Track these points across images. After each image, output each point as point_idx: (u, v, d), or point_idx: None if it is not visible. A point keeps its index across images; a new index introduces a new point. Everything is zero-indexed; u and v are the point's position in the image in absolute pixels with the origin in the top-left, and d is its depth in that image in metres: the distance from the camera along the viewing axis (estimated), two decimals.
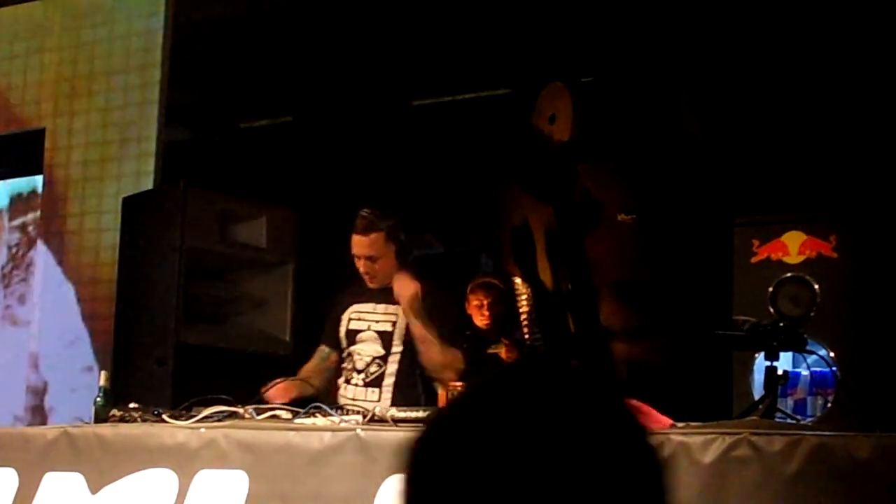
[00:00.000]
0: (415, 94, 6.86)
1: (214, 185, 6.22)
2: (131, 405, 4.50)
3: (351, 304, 5.39)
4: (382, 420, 3.96)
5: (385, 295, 5.30)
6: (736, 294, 5.10)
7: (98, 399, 4.61)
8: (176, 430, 4.11)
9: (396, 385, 5.19)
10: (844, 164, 5.48)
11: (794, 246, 5.04)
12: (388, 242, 5.28)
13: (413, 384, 5.17)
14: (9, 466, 4.40)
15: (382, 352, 5.26)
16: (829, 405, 4.77)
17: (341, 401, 5.17)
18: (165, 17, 6.98)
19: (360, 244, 5.27)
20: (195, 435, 4.04)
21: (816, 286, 4.96)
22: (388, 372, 5.22)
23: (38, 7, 7.56)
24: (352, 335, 5.34)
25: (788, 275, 5.03)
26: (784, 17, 5.65)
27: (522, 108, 6.39)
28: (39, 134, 7.46)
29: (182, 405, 4.38)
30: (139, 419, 4.39)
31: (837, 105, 5.55)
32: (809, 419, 4.74)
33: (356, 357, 5.30)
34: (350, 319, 5.37)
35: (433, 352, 5.08)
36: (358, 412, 4.12)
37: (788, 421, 4.06)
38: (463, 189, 6.33)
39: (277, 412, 4.24)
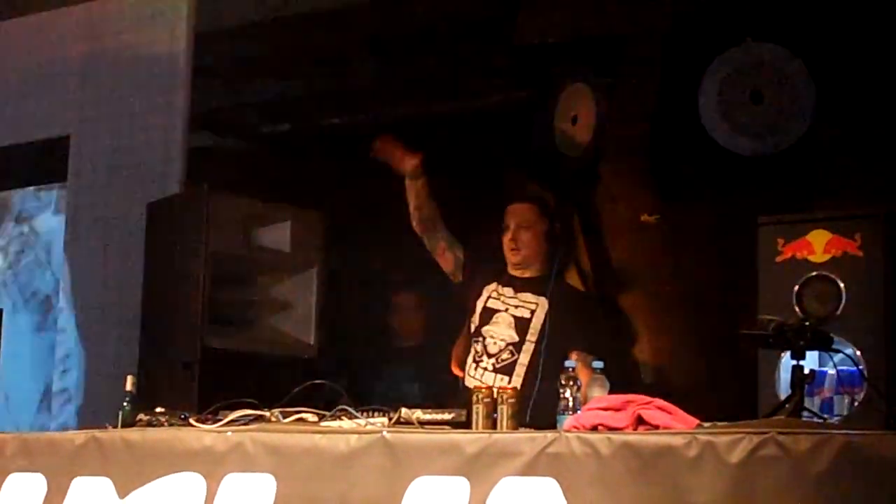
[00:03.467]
0: (439, 96, 6.87)
1: (239, 189, 6.23)
2: (158, 409, 4.52)
3: (494, 281, 5.41)
4: (408, 422, 3.97)
5: (525, 285, 5.33)
6: (761, 293, 5.09)
7: (125, 404, 4.63)
8: (203, 434, 4.12)
9: (527, 376, 5.17)
10: (869, 161, 5.46)
11: (819, 245, 5.02)
12: (540, 216, 5.40)
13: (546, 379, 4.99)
14: (37, 472, 4.43)
15: (517, 338, 5.26)
16: (856, 404, 4.75)
17: (469, 382, 5.19)
18: (188, 22, 7.00)
19: (514, 210, 5.42)
20: (222, 439, 4.05)
21: (842, 284, 4.93)
22: (519, 362, 5.22)
23: (62, 14, 7.59)
24: (488, 313, 5.36)
25: (814, 273, 5.01)
26: (807, 11, 5.64)
27: (544, 111, 6.39)
28: (64, 141, 7.50)
29: (208, 409, 4.40)
30: (166, 423, 4.40)
31: (861, 101, 5.54)
32: (836, 418, 4.72)
33: (488, 340, 5.31)
34: (489, 298, 5.39)
35: None
36: (384, 414, 4.13)
37: (815, 420, 4.05)
38: (487, 193, 6.33)
39: (304, 415, 4.25)
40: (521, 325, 5.27)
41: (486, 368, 5.24)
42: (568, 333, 5.19)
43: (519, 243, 5.36)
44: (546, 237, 5.40)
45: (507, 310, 5.31)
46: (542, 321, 5.25)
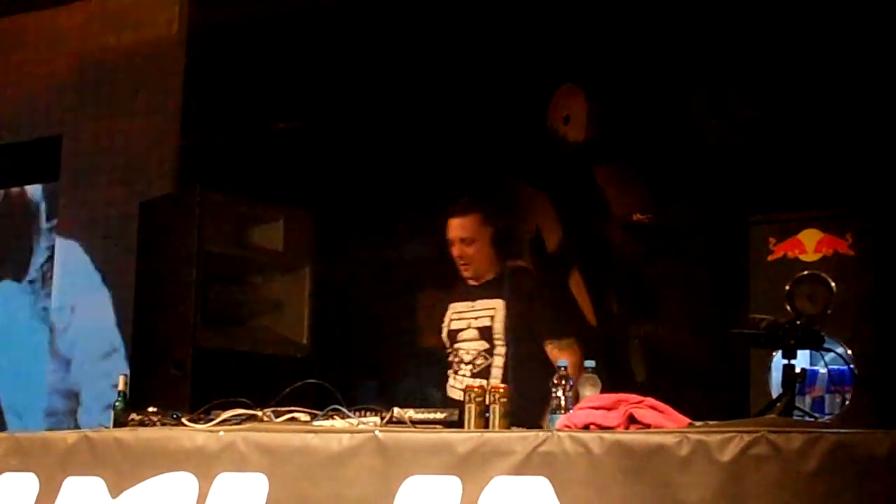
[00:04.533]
0: (432, 96, 6.87)
1: (231, 189, 6.24)
2: (150, 409, 4.52)
3: (449, 305, 5.46)
4: (400, 421, 3.97)
5: (479, 292, 5.36)
6: (753, 292, 5.10)
7: (117, 403, 4.64)
8: (195, 434, 4.12)
9: (504, 377, 5.21)
10: (860, 161, 5.47)
11: (810, 244, 5.04)
12: (483, 225, 5.37)
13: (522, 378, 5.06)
14: (29, 471, 4.42)
15: (487, 345, 5.31)
16: (847, 402, 4.77)
17: (451, 392, 5.28)
18: (181, 21, 7.01)
19: (454, 226, 5.38)
20: (214, 438, 4.05)
21: (833, 284, 4.95)
22: (494, 364, 5.27)
23: (57, 14, 7.59)
24: (453, 335, 5.42)
25: (805, 272, 5.02)
26: (798, 14, 5.65)
27: (536, 110, 6.39)
28: (57, 140, 7.50)
29: (201, 408, 4.40)
30: (158, 423, 4.40)
31: (853, 101, 5.55)
32: (827, 417, 4.74)
33: (462, 352, 5.36)
34: (451, 320, 5.45)
35: None
36: (376, 414, 4.13)
37: (806, 419, 4.06)
38: (479, 192, 6.33)
39: (296, 414, 4.25)
40: (486, 333, 5.32)
41: (464, 375, 5.29)
42: (532, 325, 5.23)
43: (466, 258, 5.36)
44: (493, 242, 5.38)
45: (468, 325, 5.36)
46: (503, 323, 5.28)
